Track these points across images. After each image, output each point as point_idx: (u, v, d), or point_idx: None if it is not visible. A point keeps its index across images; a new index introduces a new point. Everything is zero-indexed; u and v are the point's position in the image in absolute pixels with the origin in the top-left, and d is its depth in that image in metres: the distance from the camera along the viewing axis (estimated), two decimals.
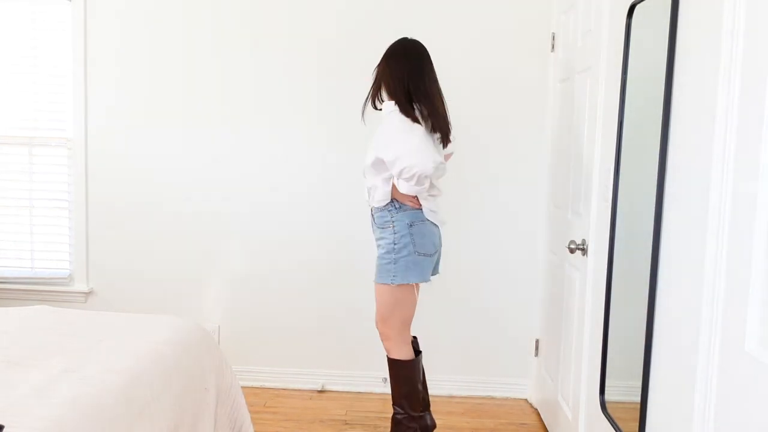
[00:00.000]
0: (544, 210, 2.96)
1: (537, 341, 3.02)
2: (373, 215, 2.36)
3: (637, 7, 1.77)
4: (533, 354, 3.06)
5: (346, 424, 2.76)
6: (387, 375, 3.05)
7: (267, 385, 3.14)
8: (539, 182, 2.99)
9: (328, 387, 3.13)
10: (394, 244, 2.25)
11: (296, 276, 3.11)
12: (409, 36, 3.07)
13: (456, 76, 2.99)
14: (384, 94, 2.30)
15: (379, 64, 2.32)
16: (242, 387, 2.20)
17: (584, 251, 2.19)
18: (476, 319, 3.09)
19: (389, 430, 2.47)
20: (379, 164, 2.25)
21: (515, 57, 2.97)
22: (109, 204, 3.15)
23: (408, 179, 2.17)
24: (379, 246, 2.32)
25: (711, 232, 1.24)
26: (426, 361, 3.04)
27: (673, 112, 1.47)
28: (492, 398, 3.09)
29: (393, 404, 2.42)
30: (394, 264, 2.25)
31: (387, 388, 3.06)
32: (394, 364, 2.38)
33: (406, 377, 2.37)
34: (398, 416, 2.40)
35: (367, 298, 3.04)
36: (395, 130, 2.21)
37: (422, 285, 2.37)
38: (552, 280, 2.75)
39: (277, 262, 3.12)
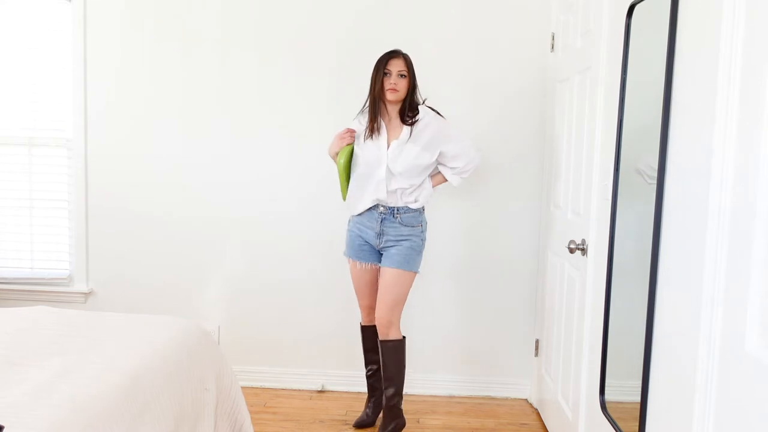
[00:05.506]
0: (544, 210, 2.96)
1: (537, 341, 3.02)
2: (395, 214, 2.52)
3: (637, 7, 1.77)
4: (533, 354, 3.06)
5: (346, 424, 2.76)
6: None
7: (267, 385, 3.14)
8: (539, 182, 2.99)
9: (328, 387, 3.13)
10: (422, 240, 2.57)
11: (296, 276, 3.11)
12: (410, 36, 3.08)
13: (456, 76, 3.00)
14: (408, 105, 2.52)
15: (409, 76, 2.49)
16: (242, 387, 2.20)
17: (584, 251, 2.19)
18: (476, 319, 3.09)
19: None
20: (432, 163, 2.52)
21: (515, 57, 2.97)
22: (109, 204, 3.15)
23: (468, 173, 2.58)
24: (404, 240, 2.53)
25: (711, 231, 1.24)
26: (426, 362, 3.05)
27: (672, 111, 1.47)
28: (492, 398, 3.09)
29: (392, 392, 2.58)
30: (420, 256, 2.56)
31: None
32: (400, 344, 2.59)
33: (402, 357, 2.62)
34: (395, 401, 2.60)
35: None
36: (447, 126, 2.55)
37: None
38: (552, 280, 2.75)
39: (277, 262, 3.12)
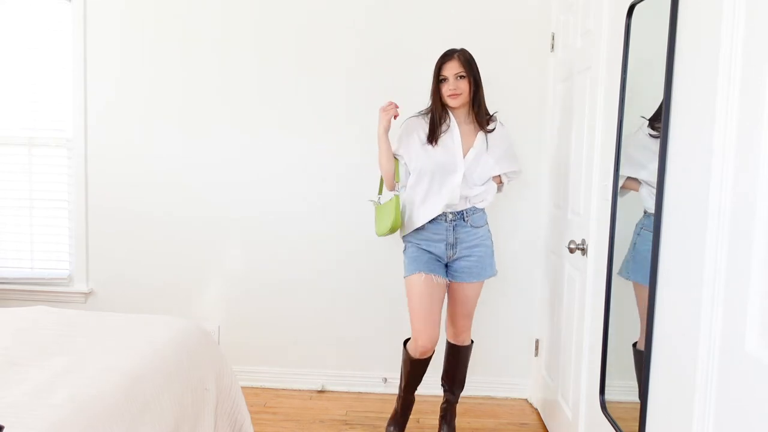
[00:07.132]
0: (544, 210, 2.96)
1: (537, 341, 3.02)
2: (464, 218, 2.41)
3: (637, 7, 1.77)
4: (533, 354, 3.06)
5: (346, 424, 2.76)
6: (386, 375, 3.06)
7: (267, 385, 3.14)
8: (539, 182, 2.99)
9: (328, 387, 3.13)
10: (491, 241, 2.50)
11: (296, 276, 3.11)
12: (410, 36, 3.06)
13: None
14: (478, 108, 2.40)
15: (468, 75, 2.36)
16: (242, 387, 2.20)
17: (584, 251, 2.19)
18: (476, 319, 3.08)
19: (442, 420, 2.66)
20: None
21: (515, 57, 2.97)
22: (109, 204, 3.15)
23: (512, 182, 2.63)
24: (476, 246, 2.44)
25: (711, 231, 1.24)
26: None
27: (672, 111, 1.47)
28: (492, 398, 3.09)
29: (456, 391, 2.64)
30: (493, 257, 2.51)
31: (387, 388, 3.07)
32: (470, 348, 2.64)
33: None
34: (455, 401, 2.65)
35: (367, 298, 3.05)
36: (512, 145, 2.55)
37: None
38: (552, 280, 2.75)
39: (277, 262, 3.12)
